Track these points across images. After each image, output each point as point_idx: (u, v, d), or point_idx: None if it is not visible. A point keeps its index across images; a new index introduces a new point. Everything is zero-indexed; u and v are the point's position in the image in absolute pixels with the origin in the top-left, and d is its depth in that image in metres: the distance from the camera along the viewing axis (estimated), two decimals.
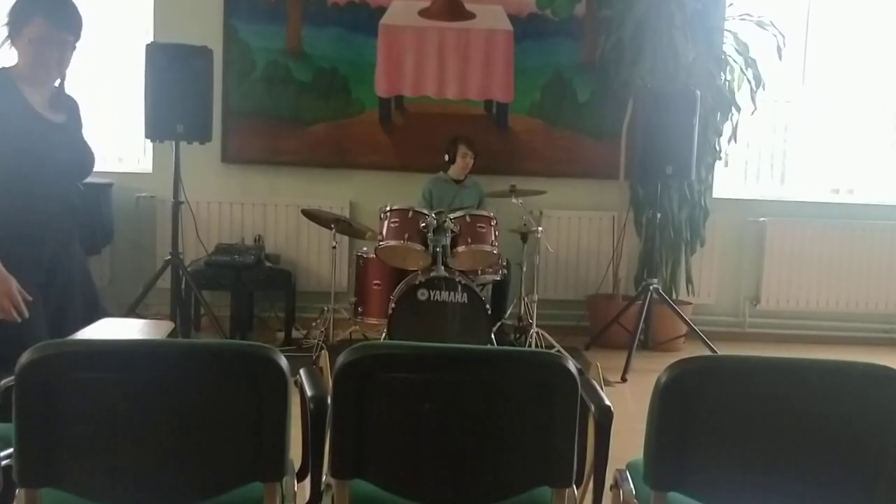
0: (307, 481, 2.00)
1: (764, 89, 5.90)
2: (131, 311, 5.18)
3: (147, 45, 5.02)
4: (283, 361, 1.79)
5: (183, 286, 5.35)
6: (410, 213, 4.84)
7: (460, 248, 4.80)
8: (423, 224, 4.80)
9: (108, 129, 6.06)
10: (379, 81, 6.05)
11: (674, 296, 5.97)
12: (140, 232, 5.91)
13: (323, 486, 1.95)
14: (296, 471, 2.02)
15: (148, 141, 5.48)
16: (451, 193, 5.59)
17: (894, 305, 6.41)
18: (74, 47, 2.69)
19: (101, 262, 5.80)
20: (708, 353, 5.05)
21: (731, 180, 6.43)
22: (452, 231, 4.81)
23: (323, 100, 6.03)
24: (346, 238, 5.79)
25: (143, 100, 4.99)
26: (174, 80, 4.95)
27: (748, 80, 5.87)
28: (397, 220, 4.83)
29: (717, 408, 1.85)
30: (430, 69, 6.06)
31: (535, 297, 5.28)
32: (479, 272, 5.09)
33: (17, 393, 1.70)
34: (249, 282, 5.53)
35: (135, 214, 5.89)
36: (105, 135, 6.07)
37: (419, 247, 4.79)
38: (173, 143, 5.13)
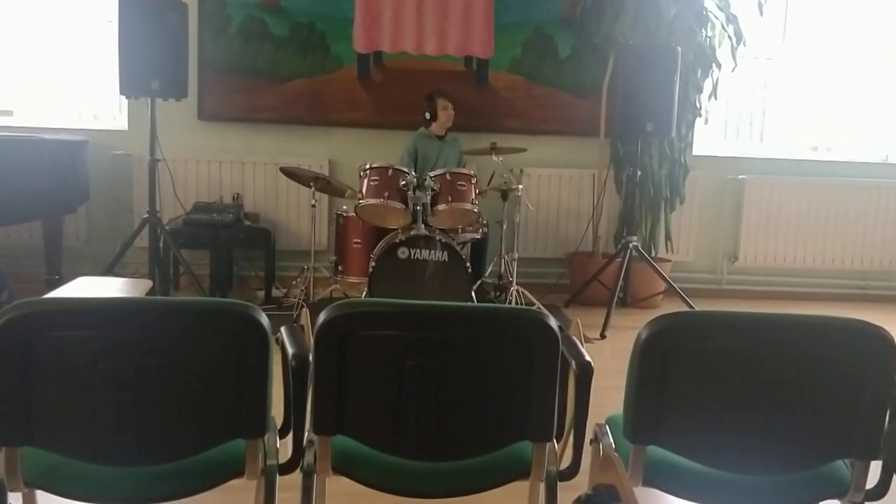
0: (289, 438, 2.00)
1: (745, 46, 5.89)
2: (109, 270, 5.15)
3: (120, 0, 4.91)
4: (265, 319, 1.79)
5: (161, 245, 5.31)
6: (390, 172, 4.81)
7: (440, 207, 4.79)
8: (403, 182, 4.78)
9: (83, 85, 5.97)
10: (357, 37, 5.97)
11: (653, 253, 6.01)
12: (117, 190, 5.84)
13: (305, 443, 1.96)
14: (278, 428, 2.02)
15: (123, 98, 5.39)
16: (436, 149, 5.57)
17: (870, 262, 6.49)
18: None
19: (77, 221, 5.75)
20: (686, 309, 5.10)
21: (710, 138, 6.44)
22: (432, 189, 4.79)
23: (300, 55, 5.95)
24: (325, 196, 5.76)
25: (117, 55, 4.90)
26: (148, 35, 4.85)
27: (729, 36, 5.85)
28: (377, 178, 4.80)
29: (696, 363, 1.87)
30: (409, 24, 5.98)
31: (516, 255, 5.29)
32: (460, 230, 5.08)
33: None
34: (229, 240, 5.50)
35: (111, 172, 5.82)
36: (80, 91, 5.99)
37: (399, 205, 4.77)
38: (149, 99, 5.05)
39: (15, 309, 1.70)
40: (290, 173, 5.18)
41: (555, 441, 1.95)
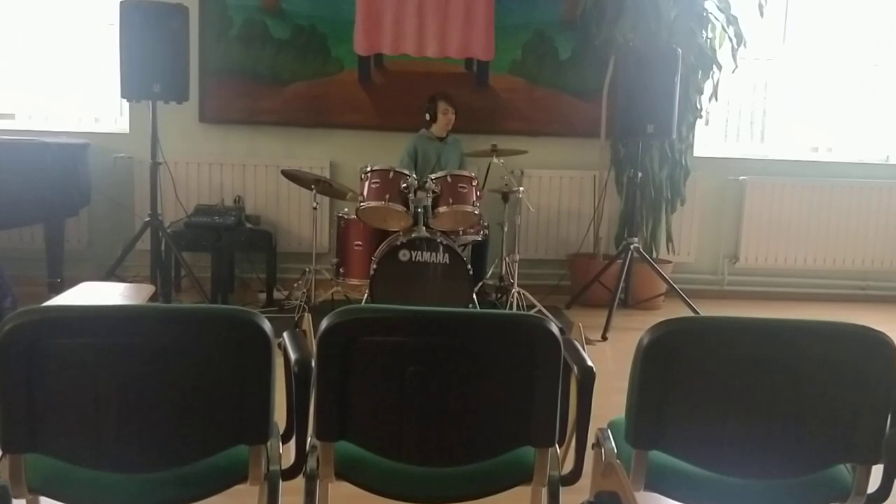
0: (292, 443, 2.01)
1: (745, 47, 5.89)
2: (111, 274, 5.16)
3: (122, 3, 4.92)
4: (267, 325, 1.79)
5: (163, 248, 5.32)
6: (391, 174, 4.82)
7: (441, 209, 4.79)
8: (404, 184, 4.79)
9: (84, 88, 5.98)
10: (358, 39, 5.97)
11: (654, 254, 6.01)
12: (118, 193, 5.84)
13: (308, 448, 1.96)
14: (281, 433, 2.03)
15: (124, 101, 5.40)
16: (436, 151, 5.58)
17: (870, 262, 6.49)
18: None
19: (78, 224, 5.76)
20: (688, 311, 5.10)
21: (711, 139, 6.44)
22: (433, 191, 4.79)
23: (301, 58, 5.95)
24: (326, 199, 5.77)
25: (118, 58, 4.90)
26: (150, 38, 4.87)
27: (729, 37, 5.85)
28: (378, 180, 4.81)
29: (699, 368, 1.87)
30: (409, 27, 5.99)
31: (517, 257, 5.29)
32: (461, 232, 5.09)
33: (0, 358, 1.69)
34: (230, 243, 5.51)
35: (112, 175, 5.82)
36: (81, 94, 6.00)
37: (400, 207, 4.78)
38: (150, 102, 5.06)
39: (18, 316, 1.70)
40: (291, 176, 5.19)
41: (557, 446, 1.96)
